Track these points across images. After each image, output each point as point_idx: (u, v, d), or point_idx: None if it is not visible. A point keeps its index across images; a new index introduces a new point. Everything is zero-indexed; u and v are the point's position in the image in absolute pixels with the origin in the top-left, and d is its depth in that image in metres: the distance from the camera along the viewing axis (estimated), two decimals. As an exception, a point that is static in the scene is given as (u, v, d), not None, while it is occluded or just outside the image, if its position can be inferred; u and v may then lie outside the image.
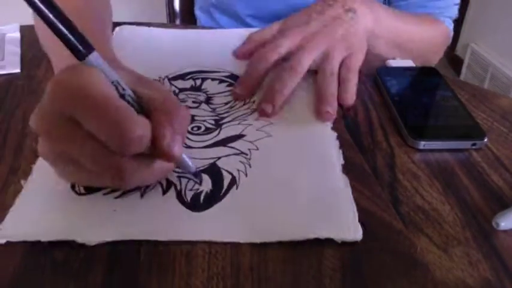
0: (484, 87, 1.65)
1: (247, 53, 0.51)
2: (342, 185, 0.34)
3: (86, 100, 0.26)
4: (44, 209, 0.31)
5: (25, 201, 0.32)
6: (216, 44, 0.53)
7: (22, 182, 0.33)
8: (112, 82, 0.28)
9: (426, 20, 0.62)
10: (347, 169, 0.35)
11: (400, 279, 0.27)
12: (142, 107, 0.29)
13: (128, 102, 0.28)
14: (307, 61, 0.45)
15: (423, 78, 0.48)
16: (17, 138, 0.38)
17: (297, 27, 0.47)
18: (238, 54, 0.51)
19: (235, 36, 0.54)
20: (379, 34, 0.52)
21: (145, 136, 0.27)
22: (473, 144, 0.38)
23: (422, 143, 0.38)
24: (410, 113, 0.41)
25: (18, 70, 0.49)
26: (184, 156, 0.32)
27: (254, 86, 0.45)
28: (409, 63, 0.51)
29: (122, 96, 0.28)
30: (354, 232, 0.30)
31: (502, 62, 1.67)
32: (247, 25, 0.70)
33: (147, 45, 0.52)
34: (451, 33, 0.68)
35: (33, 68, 0.50)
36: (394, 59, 0.52)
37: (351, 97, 0.44)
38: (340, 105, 0.43)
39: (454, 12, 0.67)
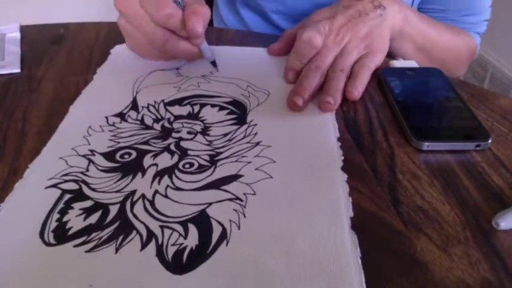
0: (484, 87, 1.66)
1: (282, 49, 0.52)
2: (349, 245, 0.29)
3: None
4: (5, 261, 0.28)
5: None
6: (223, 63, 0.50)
7: None
8: None
9: (454, 30, 0.62)
10: (347, 169, 0.35)
11: (400, 279, 0.27)
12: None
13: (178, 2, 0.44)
14: (329, 59, 0.46)
15: (427, 79, 0.47)
16: (17, 138, 0.38)
17: (322, 22, 0.47)
18: (272, 50, 0.52)
19: (242, 54, 0.52)
20: (407, 34, 0.52)
21: (173, 14, 0.42)
22: (478, 146, 0.38)
23: (426, 144, 0.38)
24: (414, 113, 0.41)
25: (18, 70, 0.49)
26: (205, 44, 0.46)
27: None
28: (412, 64, 0.50)
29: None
30: None
31: (502, 62, 1.67)
32: (272, 22, 0.69)
33: (147, 65, 0.49)
34: (478, 48, 0.67)
35: (33, 68, 0.50)
36: (396, 59, 0.52)
37: (356, 91, 0.44)
38: (340, 105, 0.43)
39: (483, 28, 0.67)
